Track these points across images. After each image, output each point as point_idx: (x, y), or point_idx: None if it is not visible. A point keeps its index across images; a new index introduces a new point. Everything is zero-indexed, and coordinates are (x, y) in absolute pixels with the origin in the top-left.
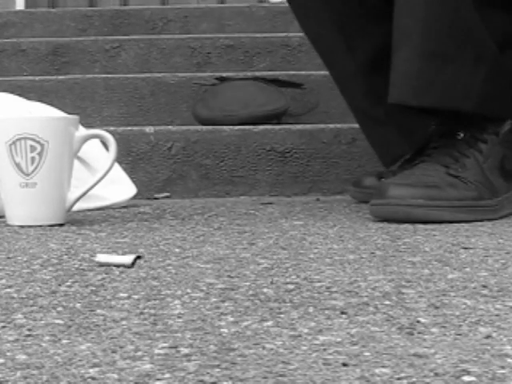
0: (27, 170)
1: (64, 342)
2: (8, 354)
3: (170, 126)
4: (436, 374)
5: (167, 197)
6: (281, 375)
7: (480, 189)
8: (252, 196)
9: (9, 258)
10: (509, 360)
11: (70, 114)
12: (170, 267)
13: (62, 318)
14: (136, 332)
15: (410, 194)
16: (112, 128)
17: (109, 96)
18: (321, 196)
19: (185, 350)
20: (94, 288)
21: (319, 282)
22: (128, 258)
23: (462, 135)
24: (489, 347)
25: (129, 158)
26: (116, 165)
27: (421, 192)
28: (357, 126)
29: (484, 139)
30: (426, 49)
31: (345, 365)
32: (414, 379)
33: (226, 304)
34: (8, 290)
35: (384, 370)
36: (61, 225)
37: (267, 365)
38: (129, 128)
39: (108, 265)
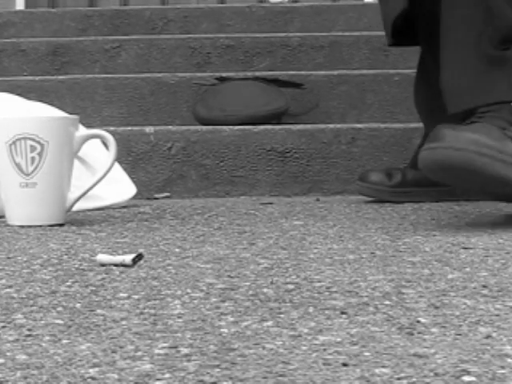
0: (27, 170)
1: (64, 341)
2: (8, 353)
3: (170, 126)
4: (436, 374)
5: (167, 197)
6: (281, 375)
7: None
8: (252, 196)
9: (9, 257)
10: (509, 360)
11: (70, 114)
12: (170, 267)
13: (62, 317)
14: (136, 332)
15: (474, 140)
16: (112, 128)
17: (109, 96)
18: (321, 196)
19: (185, 350)
20: (94, 288)
21: (319, 282)
22: (128, 258)
23: None
24: (489, 347)
25: (129, 158)
26: (116, 165)
27: (485, 140)
28: (357, 125)
29: None
30: None
31: (345, 365)
32: (414, 379)
33: (226, 304)
34: (8, 289)
35: (384, 369)
36: (61, 225)
37: (267, 365)
38: (129, 128)
39: (108, 264)
